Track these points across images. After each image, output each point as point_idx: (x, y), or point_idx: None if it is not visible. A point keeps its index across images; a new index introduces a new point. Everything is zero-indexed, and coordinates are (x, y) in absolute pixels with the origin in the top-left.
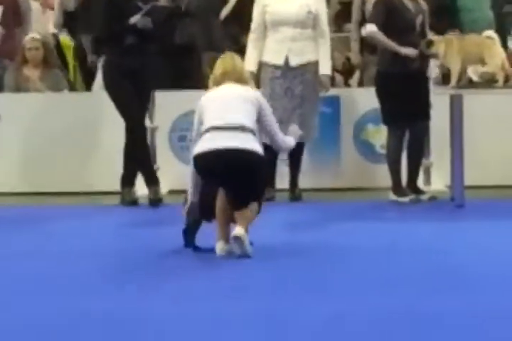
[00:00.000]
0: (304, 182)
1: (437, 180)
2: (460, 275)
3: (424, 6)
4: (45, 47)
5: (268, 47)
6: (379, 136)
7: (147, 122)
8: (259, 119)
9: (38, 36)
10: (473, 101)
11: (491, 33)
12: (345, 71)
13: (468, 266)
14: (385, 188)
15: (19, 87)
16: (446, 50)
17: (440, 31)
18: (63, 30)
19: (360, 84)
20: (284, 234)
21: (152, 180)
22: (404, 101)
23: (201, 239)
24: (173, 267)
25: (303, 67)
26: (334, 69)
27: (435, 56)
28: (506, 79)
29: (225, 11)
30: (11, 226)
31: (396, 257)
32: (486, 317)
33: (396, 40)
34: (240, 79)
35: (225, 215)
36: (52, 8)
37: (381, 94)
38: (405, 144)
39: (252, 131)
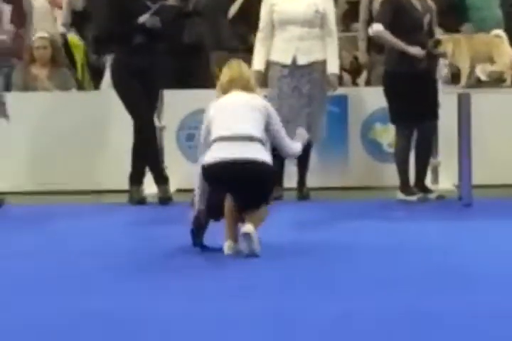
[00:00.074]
0: (311, 181)
1: (445, 179)
2: (467, 274)
3: (432, 5)
4: (53, 46)
5: (276, 46)
6: (386, 135)
7: (155, 121)
8: (267, 127)
9: (46, 35)
10: (482, 101)
11: (499, 31)
12: (352, 70)
13: (476, 265)
14: (393, 187)
15: (27, 86)
16: (455, 49)
17: (450, 30)
18: (71, 30)
19: (368, 83)
20: (291, 233)
21: (162, 179)
22: (412, 100)
23: (209, 238)
24: (181, 266)
25: (310, 66)
26: (342, 68)
27: (443, 55)
28: None
29: (232, 10)
30: (18, 224)
31: (404, 256)
32: (496, 317)
33: (404, 39)
34: (246, 87)
35: (234, 215)
36: (61, 7)
37: (389, 94)
38: (413, 143)
39: (260, 141)
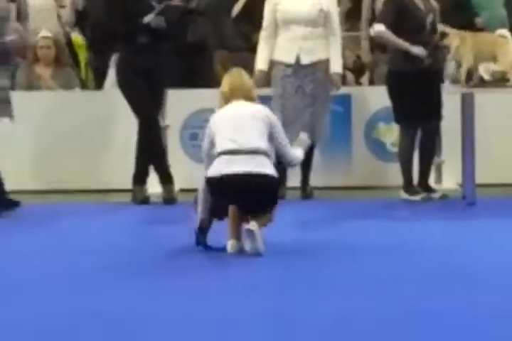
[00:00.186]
0: (315, 180)
1: (449, 179)
2: (470, 274)
3: (435, 4)
4: (57, 46)
5: (279, 45)
6: (390, 134)
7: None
8: (270, 136)
9: (49, 35)
10: (485, 100)
11: (504, 31)
12: (356, 69)
13: (479, 265)
14: (397, 187)
15: (31, 85)
16: (460, 44)
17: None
18: (75, 29)
19: (371, 82)
20: (295, 232)
21: (167, 179)
22: (416, 100)
23: (213, 237)
24: (184, 266)
25: (314, 66)
26: (345, 67)
27: (447, 48)
28: None
29: (236, 9)
30: (22, 224)
31: (407, 256)
32: (497, 317)
33: (406, 39)
34: (248, 96)
35: (237, 214)
36: (64, 7)
37: (392, 94)
38: (417, 143)
39: (265, 153)
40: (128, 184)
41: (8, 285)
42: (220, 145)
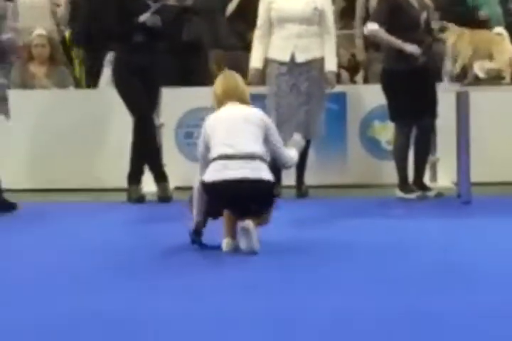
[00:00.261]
0: (310, 178)
1: (444, 177)
2: (467, 273)
3: (429, 2)
4: (52, 44)
5: (274, 43)
6: (385, 132)
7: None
8: (265, 139)
9: (44, 33)
10: (480, 98)
11: (500, 29)
12: (350, 68)
13: (475, 263)
14: (392, 185)
15: (25, 84)
16: (457, 40)
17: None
18: (68, 27)
19: (365, 80)
20: (290, 231)
21: (161, 178)
22: (411, 98)
23: (208, 236)
24: (180, 264)
25: (309, 64)
26: (340, 65)
27: (443, 42)
28: None
29: (230, 8)
30: (17, 222)
31: (403, 254)
32: (497, 317)
33: (400, 37)
34: (242, 99)
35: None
36: (59, 6)
37: (387, 92)
38: (412, 141)
39: (261, 158)
40: (123, 183)
41: (5, 285)
42: (216, 150)
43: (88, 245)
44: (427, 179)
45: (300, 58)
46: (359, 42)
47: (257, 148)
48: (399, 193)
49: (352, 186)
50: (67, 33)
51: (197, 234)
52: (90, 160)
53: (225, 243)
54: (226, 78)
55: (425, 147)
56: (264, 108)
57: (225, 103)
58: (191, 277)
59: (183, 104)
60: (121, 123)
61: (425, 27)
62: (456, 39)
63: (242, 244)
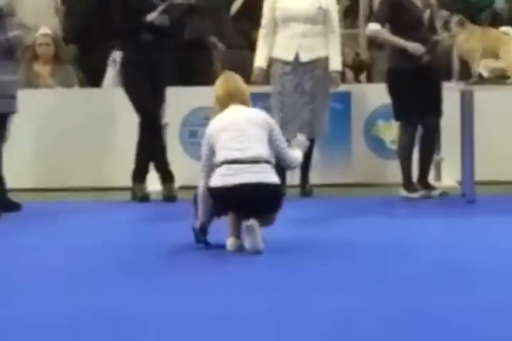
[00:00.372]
0: (314, 178)
1: (448, 176)
2: (470, 272)
3: (433, 0)
4: (56, 43)
5: (278, 43)
6: (389, 131)
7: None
8: (269, 139)
9: (48, 32)
10: (484, 97)
11: (508, 29)
12: (355, 67)
13: (479, 263)
14: (396, 184)
15: (30, 83)
16: (468, 37)
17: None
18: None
19: (369, 79)
20: (294, 230)
21: (167, 177)
22: (416, 97)
23: (213, 235)
24: (184, 263)
25: (313, 63)
26: (344, 65)
27: (452, 37)
28: None
29: (235, 7)
30: (22, 222)
31: (406, 253)
32: (497, 317)
33: (404, 36)
34: (244, 101)
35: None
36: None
37: (392, 91)
38: (417, 140)
39: (267, 161)
40: (127, 182)
41: (8, 284)
42: (222, 155)
43: (92, 244)
44: (431, 178)
45: (304, 57)
46: (363, 41)
47: (263, 150)
48: (403, 192)
49: (356, 185)
50: None
51: (202, 232)
52: (95, 160)
53: (230, 242)
54: (227, 80)
55: (430, 146)
56: (267, 107)
57: (228, 105)
58: (195, 276)
59: (187, 103)
60: (126, 122)
61: (429, 25)
62: (466, 36)
63: (247, 244)
